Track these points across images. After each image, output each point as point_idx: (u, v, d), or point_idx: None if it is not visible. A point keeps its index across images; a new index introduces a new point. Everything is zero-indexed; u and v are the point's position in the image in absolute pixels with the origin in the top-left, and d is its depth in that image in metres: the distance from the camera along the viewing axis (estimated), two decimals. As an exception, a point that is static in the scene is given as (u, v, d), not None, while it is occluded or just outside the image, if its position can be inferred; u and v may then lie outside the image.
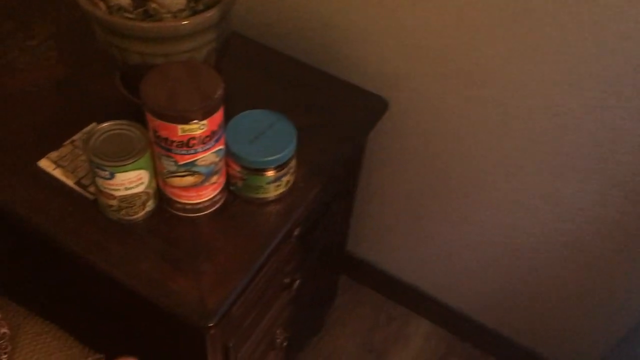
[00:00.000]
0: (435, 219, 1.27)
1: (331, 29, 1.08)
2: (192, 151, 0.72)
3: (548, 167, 1.04)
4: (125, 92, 0.89)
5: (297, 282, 1.02)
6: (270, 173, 0.79)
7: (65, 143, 0.85)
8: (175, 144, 0.70)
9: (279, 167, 0.79)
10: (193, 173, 0.74)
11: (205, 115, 0.69)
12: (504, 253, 1.23)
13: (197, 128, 0.69)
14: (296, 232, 0.92)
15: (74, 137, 0.86)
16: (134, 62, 0.80)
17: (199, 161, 0.73)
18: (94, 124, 0.75)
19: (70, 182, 0.81)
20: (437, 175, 1.19)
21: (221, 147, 0.75)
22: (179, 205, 0.79)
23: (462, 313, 1.42)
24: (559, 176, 1.04)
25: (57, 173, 0.82)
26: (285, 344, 1.17)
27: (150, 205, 0.79)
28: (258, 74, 1.01)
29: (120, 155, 0.72)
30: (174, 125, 0.68)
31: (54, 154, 0.84)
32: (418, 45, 1.00)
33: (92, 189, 0.80)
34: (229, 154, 0.78)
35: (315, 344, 1.43)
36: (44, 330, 0.81)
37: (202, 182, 0.76)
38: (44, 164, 0.83)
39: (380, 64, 1.07)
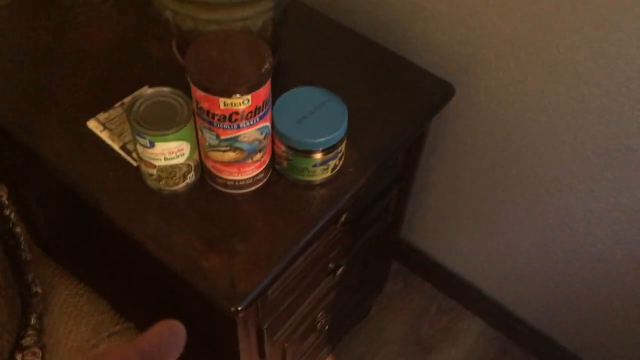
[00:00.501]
0: (499, 215, 1.19)
1: (401, 5, 1.01)
2: (235, 126, 0.68)
3: (633, 173, 0.94)
4: (180, 58, 0.86)
5: (342, 268, 0.98)
6: (317, 155, 0.74)
7: (116, 105, 0.84)
8: (217, 117, 0.67)
9: (326, 150, 0.74)
10: (235, 149, 0.71)
11: (250, 90, 0.65)
12: (571, 260, 1.14)
13: (240, 103, 0.65)
14: (343, 219, 0.87)
15: (125, 100, 0.84)
16: (187, 28, 0.77)
17: (241, 137, 0.69)
18: (144, 88, 0.72)
19: (115, 146, 0.80)
20: (504, 169, 1.10)
21: (266, 124, 0.71)
22: (220, 180, 0.76)
23: (519, 317, 1.34)
24: (640, 185, 0.94)
25: (104, 135, 0.81)
26: (326, 327, 1.14)
27: (191, 177, 0.76)
28: (318, 47, 0.96)
29: (162, 124, 0.69)
30: (216, 98, 0.65)
31: (102, 116, 0.83)
32: (496, 28, 0.92)
33: (136, 155, 0.78)
34: (274, 132, 0.74)
35: (359, 329, 1.40)
36: (77, 293, 0.81)
37: (245, 158, 0.72)
38: (92, 124, 0.82)
39: (451, 46, 0.99)
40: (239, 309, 0.68)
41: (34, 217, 1.10)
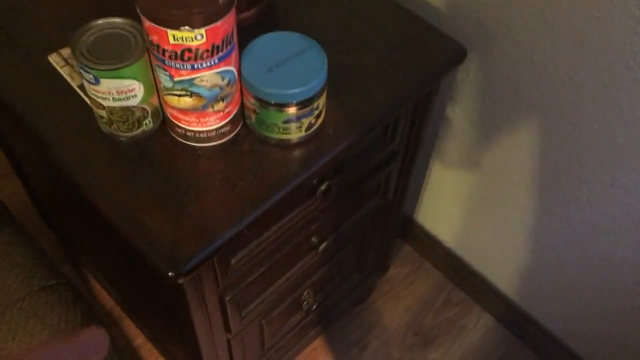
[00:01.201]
0: (518, 205, 1.07)
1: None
2: (188, 66, 0.59)
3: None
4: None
5: (325, 243, 0.89)
6: (290, 110, 0.65)
7: (82, 40, 0.76)
8: (167, 53, 0.58)
9: (300, 104, 0.65)
10: (191, 94, 0.62)
11: (204, 22, 0.56)
12: (593, 262, 1.02)
13: (192, 38, 0.56)
14: (323, 187, 0.78)
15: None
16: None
17: (197, 80, 0.60)
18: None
19: (74, 84, 0.72)
20: (527, 155, 0.98)
21: (229, 68, 0.62)
22: (179, 130, 0.68)
23: (531, 316, 1.22)
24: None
25: (64, 71, 0.73)
26: (314, 307, 1.06)
27: (148, 124, 0.68)
28: (318, -6, 0.85)
29: (111, 58, 0.61)
30: (164, 29, 0.56)
31: (67, 51, 0.75)
32: (522, -14, 0.80)
33: (93, 95, 0.70)
34: (242, 80, 0.65)
35: (356, 314, 1.30)
36: (11, 241, 0.74)
37: (204, 107, 0.64)
38: (54, 59, 0.74)
39: (470, 6, 0.87)
40: (178, 274, 0.60)
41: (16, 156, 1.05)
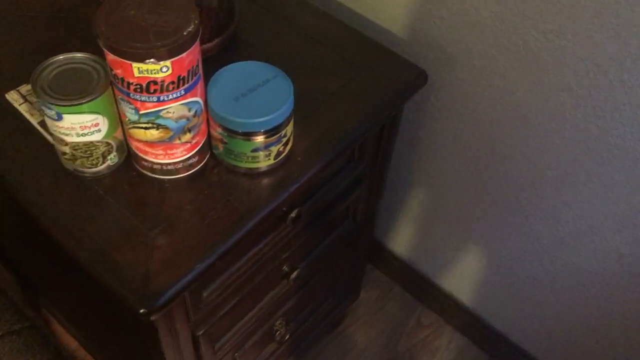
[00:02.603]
0: (483, 222, 1.09)
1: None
2: (154, 99, 0.58)
3: (627, 178, 0.83)
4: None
5: (297, 272, 0.88)
6: (257, 139, 0.65)
7: (42, 76, 0.75)
8: (132, 87, 0.57)
9: (267, 133, 0.65)
10: (158, 126, 0.61)
11: (169, 54, 0.55)
12: (562, 275, 1.03)
13: (158, 70, 0.56)
14: (293, 215, 0.77)
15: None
16: (119, -11, 0.67)
17: (164, 112, 0.60)
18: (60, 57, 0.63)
19: (34, 121, 0.71)
20: (489, 171, 1.00)
21: (196, 99, 0.61)
22: (145, 164, 0.67)
23: (504, 334, 1.23)
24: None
25: (22, 108, 0.72)
26: (287, 337, 1.04)
27: (112, 158, 0.66)
28: (279, 21, 0.86)
29: (73, 93, 0.60)
30: (128, 62, 0.55)
31: (25, 87, 0.74)
32: (476, 12, 0.82)
33: (54, 131, 0.69)
34: (208, 110, 0.65)
35: (330, 341, 1.29)
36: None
37: (171, 138, 0.63)
38: (12, 96, 0.73)
39: (427, 32, 0.89)
40: (150, 310, 0.58)
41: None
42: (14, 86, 0.74)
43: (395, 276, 1.38)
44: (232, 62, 0.68)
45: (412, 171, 1.13)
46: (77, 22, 0.83)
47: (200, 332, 0.76)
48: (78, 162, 0.65)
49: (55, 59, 0.62)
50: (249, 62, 0.68)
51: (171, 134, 0.62)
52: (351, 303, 1.29)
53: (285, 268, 0.88)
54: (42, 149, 0.69)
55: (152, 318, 0.60)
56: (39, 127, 0.70)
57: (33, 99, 0.72)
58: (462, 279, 1.23)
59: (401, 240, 1.30)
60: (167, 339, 0.70)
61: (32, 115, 0.71)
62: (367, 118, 0.75)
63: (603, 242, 0.93)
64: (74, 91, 0.60)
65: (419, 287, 1.34)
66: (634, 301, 0.96)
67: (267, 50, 0.82)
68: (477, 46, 0.86)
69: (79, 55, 0.62)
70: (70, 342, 1.24)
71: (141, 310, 0.58)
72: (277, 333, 1.02)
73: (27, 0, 0.86)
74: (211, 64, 0.67)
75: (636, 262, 0.91)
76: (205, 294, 0.73)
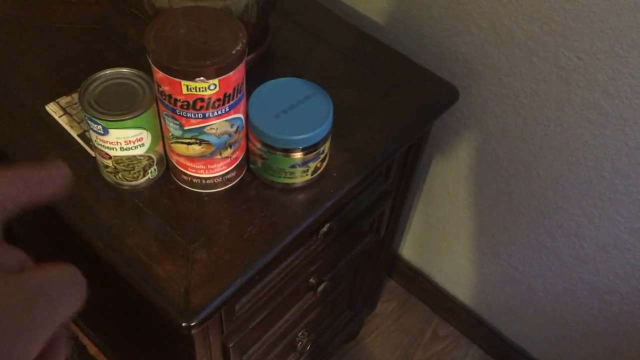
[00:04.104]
0: (503, 236, 1.09)
1: (407, 1, 0.92)
2: (200, 115, 0.59)
3: (650, 199, 0.84)
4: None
5: (324, 284, 0.89)
6: (296, 155, 0.66)
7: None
8: (179, 103, 0.58)
9: (306, 150, 0.65)
10: (201, 142, 0.62)
11: (217, 73, 0.56)
12: (581, 291, 1.04)
13: (206, 88, 0.57)
14: (325, 229, 0.78)
15: (90, 83, 0.76)
16: (161, 6, 0.69)
17: (207, 129, 0.61)
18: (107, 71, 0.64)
19: (74, 133, 0.71)
20: (511, 187, 1.01)
21: (238, 115, 0.62)
22: (185, 178, 0.67)
23: (521, 348, 1.24)
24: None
25: (63, 120, 0.72)
26: (308, 348, 1.05)
27: (153, 172, 0.67)
28: (311, 38, 0.87)
29: (119, 108, 0.61)
30: (178, 80, 0.56)
31: (64, 99, 0.74)
32: (508, 30, 0.83)
33: (94, 144, 0.70)
34: (249, 126, 0.66)
35: (346, 352, 1.30)
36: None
37: (212, 154, 0.64)
38: (52, 108, 0.74)
39: (458, 47, 0.90)
40: (192, 324, 0.59)
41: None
42: (52, 98, 0.75)
43: (412, 287, 1.39)
44: (265, 78, 0.69)
45: (433, 184, 1.14)
46: (111, 34, 0.84)
47: (232, 344, 0.77)
48: (120, 175, 0.66)
49: (102, 73, 0.63)
50: (289, 78, 0.69)
51: (213, 149, 0.63)
52: (368, 314, 1.30)
53: (312, 280, 0.89)
54: (82, 161, 0.70)
55: (193, 332, 0.60)
56: (79, 140, 0.71)
57: (73, 111, 0.73)
58: (479, 292, 1.24)
59: (418, 252, 1.31)
60: (202, 351, 0.70)
61: (72, 127, 0.72)
62: (402, 134, 0.76)
63: (627, 259, 0.93)
64: (119, 106, 0.61)
65: (436, 298, 1.34)
66: (656, 319, 0.97)
67: (300, 66, 0.83)
68: (506, 63, 0.87)
69: (125, 70, 0.63)
70: (90, 347, 1.25)
71: (183, 324, 0.59)
72: (299, 344, 1.02)
73: (62, 12, 0.87)
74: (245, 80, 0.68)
75: (660, 280, 0.92)
76: (238, 307, 0.74)
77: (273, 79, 0.69)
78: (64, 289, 0.24)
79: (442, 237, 1.22)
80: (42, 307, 0.23)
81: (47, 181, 0.27)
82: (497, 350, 1.29)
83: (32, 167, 0.27)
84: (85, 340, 1.23)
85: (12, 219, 0.26)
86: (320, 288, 0.89)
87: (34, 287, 0.23)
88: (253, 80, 0.69)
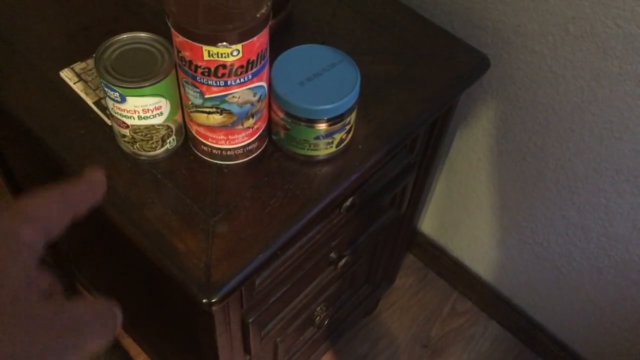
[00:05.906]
0: (527, 213, 1.06)
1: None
2: (222, 83, 0.56)
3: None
4: (173, 4, 0.74)
5: (345, 258, 0.87)
6: (321, 126, 0.63)
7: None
8: (200, 70, 0.55)
9: (331, 120, 0.62)
10: (222, 111, 0.59)
11: (241, 38, 0.53)
12: (606, 269, 1.01)
13: (229, 54, 0.54)
14: (348, 203, 0.75)
15: (106, 49, 0.73)
16: (179, -34, 0.65)
17: (229, 97, 0.58)
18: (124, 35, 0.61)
19: (89, 101, 0.69)
20: (538, 162, 0.97)
21: (261, 83, 0.59)
22: (204, 148, 0.65)
23: (540, 324, 1.22)
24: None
25: (77, 87, 0.70)
26: (326, 322, 1.03)
27: (171, 142, 0.65)
28: (335, 1, 0.83)
29: (137, 75, 0.58)
30: (198, 45, 0.53)
31: (79, 65, 0.72)
32: (543, -5, 0.79)
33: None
34: (272, 95, 0.63)
35: (363, 326, 1.28)
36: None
37: (234, 123, 0.61)
38: (66, 74, 0.71)
39: (490, 14, 0.86)
40: (213, 301, 0.57)
41: (8, 164, 1.00)
42: (67, 64, 0.72)
43: (431, 262, 1.36)
44: (287, 44, 0.66)
45: (457, 157, 1.11)
46: (131, 0, 0.81)
47: (251, 319, 0.75)
48: (137, 145, 0.63)
49: (118, 37, 0.60)
50: (313, 45, 0.66)
51: (234, 119, 0.60)
52: (386, 289, 1.28)
53: (332, 255, 0.87)
54: (98, 129, 0.67)
55: (214, 308, 0.58)
56: (94, 107, 0.68)
57: (88, 78, 0.70)
58: (500, 268, 1.21)
59: (438, 226, 1.28)
60: (221, 327, 0.69)
61: (87, 94, 0.69)
62: (429, 105, 0.73)
63: (659, 237, 0.90)
64: (137, 73, 0.58)
65: (455, 273, 1.32)
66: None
67: (323, 32, 0.79)
68: (538, 30, 0.83)
69: (143, 34, 0.60)
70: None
71: (204, 300, 0.57)
72: (317, 318, 1.01)
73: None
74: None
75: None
76: (258, 282, 0.72)
77: (296, 45, 0.66)
78: (97, 326, 0.26)
79: (463, 212, 1.19)
80: (75, 337, 0.25)
81: (87, 195, 0.28)
82: (517, 327, 1.27)
83: (70, 184, 0.27)
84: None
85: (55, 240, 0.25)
86: (342, 263, 0.86)
87: (70, 318, 0.25)
88: (275, 47, 0.65)
